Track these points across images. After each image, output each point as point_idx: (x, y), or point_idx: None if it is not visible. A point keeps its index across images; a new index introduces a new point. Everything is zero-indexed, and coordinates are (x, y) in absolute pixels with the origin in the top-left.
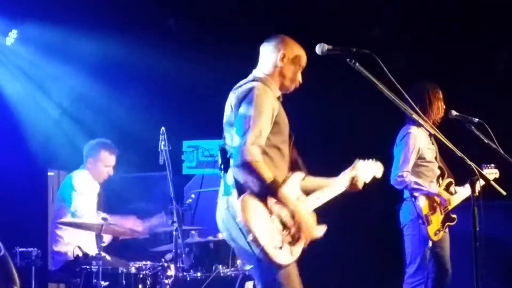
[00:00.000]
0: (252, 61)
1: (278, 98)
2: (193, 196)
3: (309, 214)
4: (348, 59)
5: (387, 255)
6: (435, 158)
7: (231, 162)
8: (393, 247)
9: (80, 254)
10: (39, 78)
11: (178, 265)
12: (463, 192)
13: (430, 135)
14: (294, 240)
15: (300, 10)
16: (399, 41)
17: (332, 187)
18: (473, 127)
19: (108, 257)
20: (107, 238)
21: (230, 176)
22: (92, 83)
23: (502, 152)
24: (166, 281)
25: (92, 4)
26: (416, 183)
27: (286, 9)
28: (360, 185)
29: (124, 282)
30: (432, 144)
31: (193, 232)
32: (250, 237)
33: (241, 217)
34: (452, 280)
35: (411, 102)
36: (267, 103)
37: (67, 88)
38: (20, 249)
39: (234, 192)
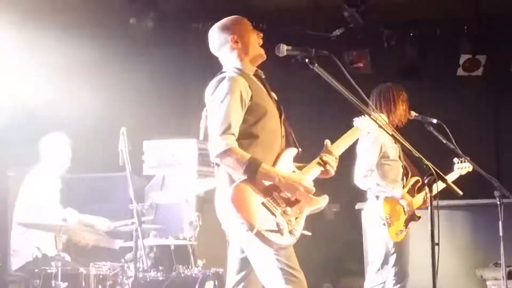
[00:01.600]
0: (216, 60)
1: (256, 74)
2: (153, 201)
3: (299, 174)
4: (307, 60)
5: (348, 255)
6: (399, 157)
7: (211, 156)
8: (354, 247)
9: (39, 255)
10: None
11: (138, 266)
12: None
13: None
14: (290, 211)
15: (262, 9)
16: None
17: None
18: (432, 128)
19: (67, 258)
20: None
21: (221, 169)
22: (51, 82)
23: (460, 152)
24: (126, 282)
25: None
26: (380, 184)
27: (246, 8)
28: (332, 170)
29: (83, 283)
30: (395, 143)
31: (153, 232)
32: (245, 227)
33: (233, 208)
34: (412, 280)
35: (370, 102)
36: (233, 92)
37: (25, 84)
38: None
39: (226, 183)
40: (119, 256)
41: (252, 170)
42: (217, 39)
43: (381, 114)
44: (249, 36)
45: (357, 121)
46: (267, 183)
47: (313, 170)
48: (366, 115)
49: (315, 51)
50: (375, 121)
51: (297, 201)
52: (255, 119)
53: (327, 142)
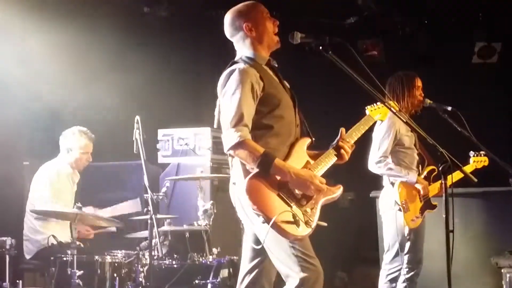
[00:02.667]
0: (229, 49)
1: (268, 63)
2: (168, 184)
3: (311, 171)
4: (321, 48)
5: (363, 243)
6: (414, 145)
7: (225, 148)
8: (369, 235)
9: (55, 243)
10: (11, 69)
11: (153, 254)
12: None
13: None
14: (305, 203)
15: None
16: (373, 30)
17: (322, 158)
18: (446, 115)
19: (82, 246)
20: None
21: (235, 159)
22: (66, 72)
23: (475, 139)
24: (141, 270)
25: None
26: (393, 169)
27: None
28: (347, 155)
29: (99, 270)
30: (411, 131)
31: (168, 220)
32: (261, 218)
33: (248, 200)
34: (426, 267)
35: (384, 90)
36: (244, 84)
37: (41, 76)
38: None
39: (241, 174)
40: (134, 244)
41: (265, 164)
42: (232, 24)
43: (394, 102)
44: (265, 23)
45: (370, 110)
46: None
47: (329, 160)
48: (379, 103)
49: (329, 38)
50: (390, 109)
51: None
52: (268, 109)
53: (343, 129)
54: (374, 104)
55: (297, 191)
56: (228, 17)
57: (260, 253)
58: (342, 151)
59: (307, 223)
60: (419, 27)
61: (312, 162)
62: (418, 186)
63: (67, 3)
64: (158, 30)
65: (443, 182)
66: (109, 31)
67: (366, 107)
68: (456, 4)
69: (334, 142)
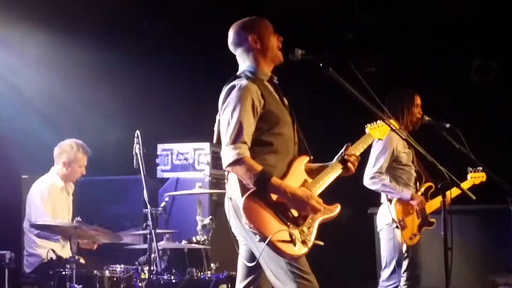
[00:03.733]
0: (228, 64)
1: (270, 80)
2: (167, 199)
3: (308, 190)
4: (321, 64)
5: (361, 259)
6: (412, 162)
7: (223, 164)
8: (367, 251)
9: (54, 257)
10: (11, 81)
11: (152, 268)
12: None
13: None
14: (302, 222)
15: (276, 13)
16: (373, 46)
17: (328, 170)
18: (444, 132)
19: (82, 260)
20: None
21: (232, 175)
22: (66, 86)
23: (473, 157)
24: (140, 284)
25: (66, 5)
26: (388, 186)
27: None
28: (353, 167)
29: (97, 285)
30: (409, 148)
31: (167, 235)
32: (257, 237)
33: (245, 218)
34: (424, 285)
35: (383, 107)
36: (245, 100)
37: (40, 90)
38: None
39: (237, 191)
40: (132, 259)
41: (262, 183)
42: (237, 36)
43: (394, 120)
44: (269, 38)
45: (369, 128)
46: None
47: (331, 174)
48: (378, 122)
49: (329, 55)
50: (390, 126)
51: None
52: (268, 127)
53: (349, 144)
54: (374, 122)
55: (294, 210)
56: (233, 29)
57: (254, 270)
58: (349, 164)
59: (304, 242)
60: (417, 43)
61: (310, 180)
62: (413, 202)
63: (65, 16)
64: (158, 44)
65: (442, 199)
66: (109, 44)
67: (366, 126)
68: (453, 21)
69: (339, 154)
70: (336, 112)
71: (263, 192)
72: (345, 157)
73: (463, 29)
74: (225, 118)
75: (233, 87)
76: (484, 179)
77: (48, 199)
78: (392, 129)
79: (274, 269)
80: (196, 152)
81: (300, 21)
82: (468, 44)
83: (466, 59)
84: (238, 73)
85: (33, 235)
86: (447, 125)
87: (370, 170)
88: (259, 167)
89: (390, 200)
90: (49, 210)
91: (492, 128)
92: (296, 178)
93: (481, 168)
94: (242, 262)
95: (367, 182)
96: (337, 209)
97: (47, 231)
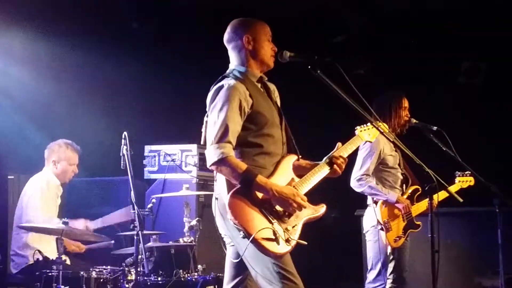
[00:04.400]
0: (218, 65)
1: (259, 80)
2: (154, 201)
3: (293, 188)
4: (309, 67)
5: (347, 261)
6: (398, 164)
7: (207, 164)
8: (352, 253)
9: (40, 258)
10: None
11: (138, 270)
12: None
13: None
14: (287, 219)
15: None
16: (361, 48)
17: (317, 170)
18: (431, 135)
19: (68, 261)
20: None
21: (219, 176)
22: (53, 86)
23: (460, 159)
24: (127, 286)
25: (54, 7)
26: (374, 188)
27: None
28: (340, 170)
29: (84, 286)
30: (396, 151)
31: (154, 236)
32: (241, 233)
33: (230, 214)
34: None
35: (371, 109)
36: (232, 100)
37: (27, 91)
38: None
39: (224, 189)
40: (119, 260)
41: (247, 181)
42: (233, 31)
43: (383, 124)
44: (264, 43)
45: (359, 130)
46: None
47: (319, 174)
48: (368, 124)
49: (317, 57)
50: (378, 129)
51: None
52: (257, 128)
53: (339, 144)
54: (364, 125)
55: (279, 208)
56: (231, 25)
57: (242, 271)
58: (335, 166)
59: (287, 240)
60: (406, 46)
61: (297, 179)
62: (399, 205)
63: (53, 18)
64: (146, 46)
65: (429, 202)
66: (97, 46)
67: (356, 128)
68: (443, 23)
69: (328, 155)
70: (325, 114)
71: (248, 190)
72: (333, 159)
73: (452, 29)
74: (212, 118)
75: (221, 87)
76: (472, 183)
77: (48, 195)
78: (380, 132)
79: (260, 270)
80: (184, 153)
81: (290, 23)
82: (457, 46)
83: (455, 61)
84: (227, 72)
85: (23, 235)
86: (434, 128)
87: (356, 172)
88: (243, 166)
89: (376, 202)
90: (46, 207)
91: (479, 130)
92: (283, 177)
93: (469, 172)
94: (229, 263)
95: (354, 184)
96: (322, 209)
97: (35, 232)
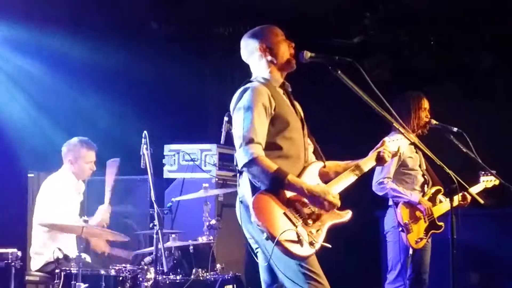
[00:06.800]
0: (235, 66)
1: (282, 86)
2: (173, 200)
3: (325, 186)
4: (330, 67)
5: (366, 262)
6: (419, 166)
7: (238, 165)
8: (373, 254)
9: (60, 256)
10: (18, 80)
11: (157, 268)
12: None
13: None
14: (311, 223)
15: (283, 16)
16: (382, 49)
17: (344, 175)
18: (452, 136)
19: (88, 259)
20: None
21: (243, 177)
22: (73, 85)
23: (480, 161)
24: (146, 284)
25: (75, 6)
26: (396, 190)
27: (268, 15)
28: (387, 157)
29: (103, 284)
30: (416, 152)
31: (173, 235)
32: (265, 235)
33: (254, 216)
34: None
35: (392, 110)
36: (258, 101)
37: (48, 90)
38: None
39: (248, 192)
40: (138, 258)
41: (278, 180)
42: (247, 47)
43: (406, 127)
44: (279, 45)
45: (388, 141)
46: (289, 193)
47: (346, 179)
48: (396, 135)
49: (338, 58)
50: (399, 129)
51: (319, 213)
52: (277, 130)
53: (385, 140)
54: (394, 134)
55: (304, 211)
56: (243, 40)
57: (275, 276)
58: (382, 153)
59: (311, 243)
60: (426, 46)
61: (323, 185)
62: (421, 207)
63: (73, 16)
64: (166, 46)
65: (450, 203)
66: (117, 45)
67: (383, 140)
68: (462, 23)
69: (374, 149)
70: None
71: (279, 189)
72: (380, 150)
73: (472, 30)
74: (239, 120)
75: (246, 89)
76: (496, 182)
77: (62, 196)
78: (403, 135)
79: (285, 270)
80: (203, 153)
81: (308, 24)
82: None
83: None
84: (251, 78)
85: (43, 234)
86: (454, 129)
87: (378, 175)
88: (274, 166)
89: (396, 204)
90: (62, 208)
91: (498, 131)
92: (310, 180)
93: (493, 172)
94: (262, 269)
95: (376, 188)
96: (348, 214)
97: (55, 230)
